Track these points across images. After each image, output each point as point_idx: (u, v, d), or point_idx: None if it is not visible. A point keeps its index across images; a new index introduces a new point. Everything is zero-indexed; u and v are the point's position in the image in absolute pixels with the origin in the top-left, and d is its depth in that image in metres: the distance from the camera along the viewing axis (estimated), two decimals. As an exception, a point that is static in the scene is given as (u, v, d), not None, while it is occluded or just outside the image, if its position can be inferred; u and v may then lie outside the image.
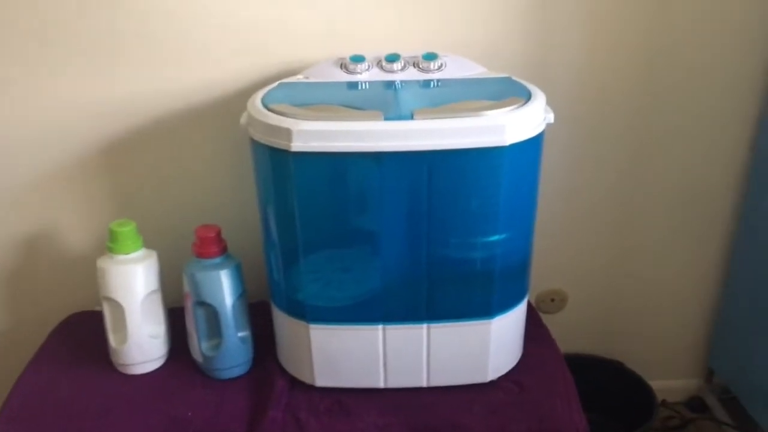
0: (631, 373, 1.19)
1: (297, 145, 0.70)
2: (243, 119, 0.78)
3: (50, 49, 0.91)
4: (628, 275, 1.18)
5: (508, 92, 0.78)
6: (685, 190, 1.11)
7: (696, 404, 1.28)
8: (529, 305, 0.90)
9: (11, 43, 0.91)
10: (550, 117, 0.76)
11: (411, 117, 0.70)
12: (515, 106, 0.73)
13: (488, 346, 0.82)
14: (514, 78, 0.85)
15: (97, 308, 0.90)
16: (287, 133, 0.70)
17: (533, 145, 0.75)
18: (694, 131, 1.07)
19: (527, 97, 0.76)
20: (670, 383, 1.26)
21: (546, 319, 0.99)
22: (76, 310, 1.03)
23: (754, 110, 1.06)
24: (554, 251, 1.13)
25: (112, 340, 0.87)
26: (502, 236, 0.77)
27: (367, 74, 0.86)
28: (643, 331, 1.23)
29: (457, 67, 0.87)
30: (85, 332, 0.96)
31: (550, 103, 0.78)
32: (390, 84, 0.83)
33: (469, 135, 0.70)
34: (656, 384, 1.16)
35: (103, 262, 0.85)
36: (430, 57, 0.86)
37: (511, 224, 0.77)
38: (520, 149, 0.72)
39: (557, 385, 0.85)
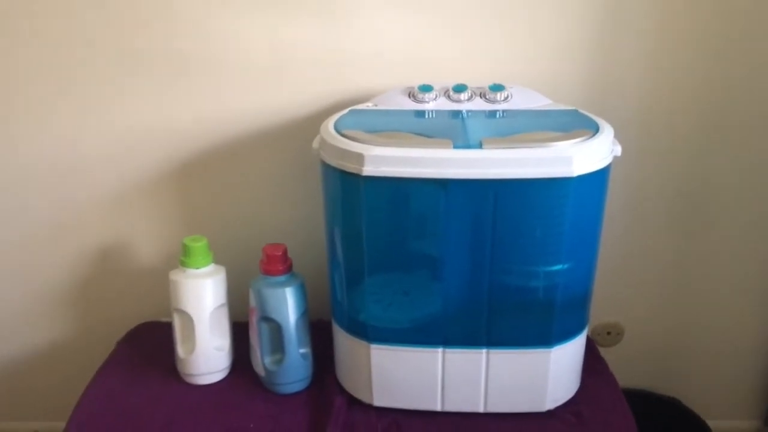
0: (688, 411, 1.16)
1: (368, 170, 0.72)
2: (315, 143, 0.81)
3: (133, 72, 0.96)
4: (688, 312, 1.16)
5: (575, 124, 0.79)
6: (752, 227, 1.09)
7: (754, 447, 1.25)
8: (587, 337, 0.90)
9: (95, 68, 0.96)
10: (618, 150, 0.77)
11: (480, 146, 0.72)
12: (583, 137, 0.74)
13: (547, 375, 0.82)
14: (580, 111, 0.86)
15: (164, 319, 0.94)
16: (359, 158, 0.72)
17: (600, 177, 0.75)
18: (765, 168, 1.05)
19: (595, 129, 0.77)
20: (728, 423, 1.23)
21: (601, 352, 0.98)
22: (143, 320, 1.07)
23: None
24: (613, 284, 1.12)
25: (180, 350, 0.90)
26: (565, 266, 0.77)
27: (434, 103, 0.88)
28: (701, 369, 1.20)
29: (523, 99, 0.88)
30: (152, 342, 1.00)
31: (615, 135, 0.79)
32: (457, 113, 0.85)
33: (537, 165, 0.71)
34: (714, 423, 1.13)
35: (175, 275, 0.88)
36: (497, 88, 0.88)
37: (574, 254, 0.78)
38: (587, 181, 0.73)
39: (616, 418, 0.84)
